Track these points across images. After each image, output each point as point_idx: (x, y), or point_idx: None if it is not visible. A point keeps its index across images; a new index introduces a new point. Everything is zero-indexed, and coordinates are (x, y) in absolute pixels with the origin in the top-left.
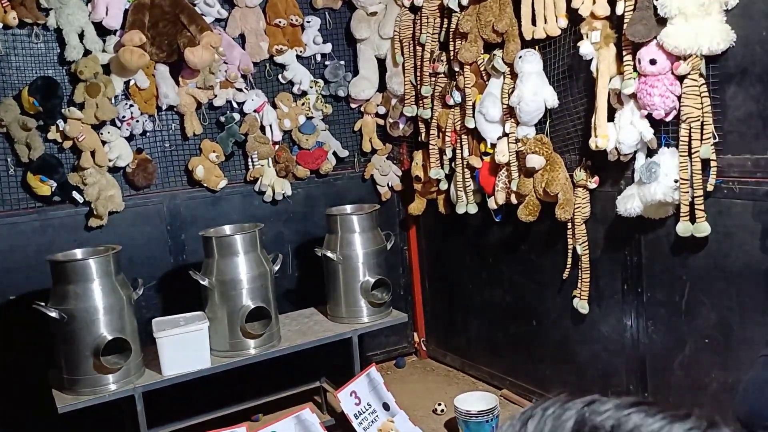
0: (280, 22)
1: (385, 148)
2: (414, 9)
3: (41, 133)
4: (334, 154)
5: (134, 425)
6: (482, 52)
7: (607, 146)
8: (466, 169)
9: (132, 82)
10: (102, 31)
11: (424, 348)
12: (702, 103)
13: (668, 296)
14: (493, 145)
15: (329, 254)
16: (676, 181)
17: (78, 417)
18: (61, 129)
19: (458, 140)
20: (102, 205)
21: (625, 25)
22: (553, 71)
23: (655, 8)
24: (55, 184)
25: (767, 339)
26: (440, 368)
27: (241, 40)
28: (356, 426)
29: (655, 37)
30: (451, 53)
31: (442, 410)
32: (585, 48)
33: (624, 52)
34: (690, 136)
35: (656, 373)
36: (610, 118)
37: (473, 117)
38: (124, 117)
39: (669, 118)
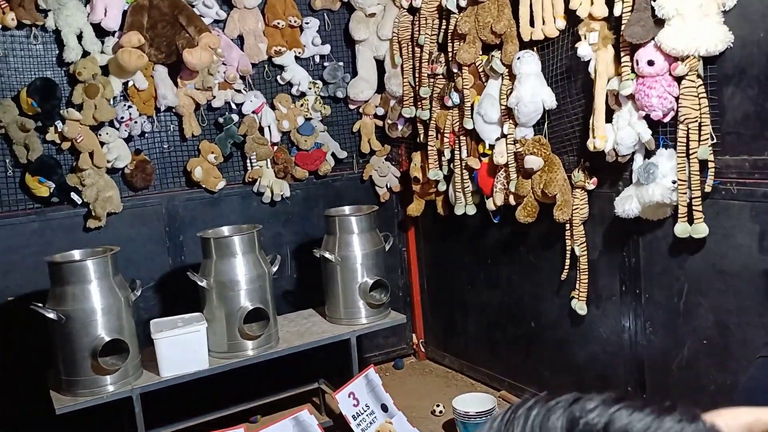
0: (278, 23)
1: (384, 150)
2: (412, 10)
3: (40, 134)
4: (333, 155)
5: (132, 426)
6: (480, 53)
7: (605, 147)
8: (464, 170)
9: (130, 83)
10: (100, 32)
11: (423, 349)
12: (700, 104)
13: (666, 297)
14: (492, 147)
15: (327, 255)
16: (674, 182)
17: (76, 418)
18: (59, 130)
19: (457, 141)
20: (100, 206)
21: (623, 27)
22: (551, 72)
23: (653, 9)
24: (53, 185)
25: (765, 340)
26: (438, 369)
27: (240, 41)
28: (354, 427)
29: (653, 39)
30: (450, 54)
31: (441, 411)
32: (583, 49)
33: (622, 53)
34: (688, 137)
35: (654, 374)
36: (608, 119)
37: (472, 118)
38: (122, 118)
39: (667, 119)
